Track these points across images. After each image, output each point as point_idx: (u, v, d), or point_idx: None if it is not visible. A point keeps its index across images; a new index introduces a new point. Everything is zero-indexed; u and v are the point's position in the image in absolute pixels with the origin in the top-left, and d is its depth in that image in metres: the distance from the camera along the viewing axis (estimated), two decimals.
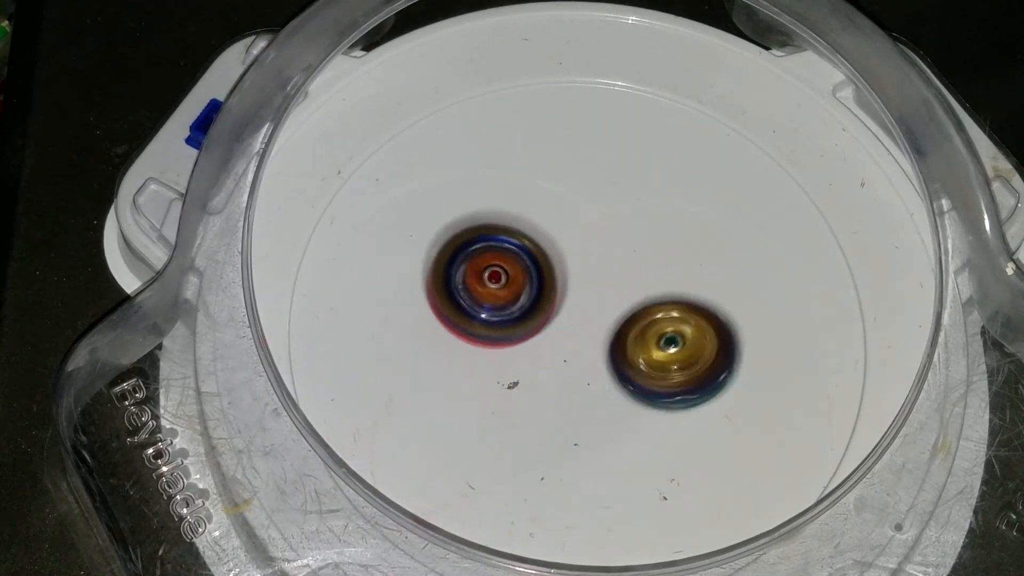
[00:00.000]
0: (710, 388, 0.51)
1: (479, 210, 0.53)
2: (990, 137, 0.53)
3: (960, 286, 0.51)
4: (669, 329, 0.51)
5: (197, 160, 0.51)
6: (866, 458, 0.49)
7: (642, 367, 0.51)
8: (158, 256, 0.51)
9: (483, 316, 0.51)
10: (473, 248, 0.52)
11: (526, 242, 0.52)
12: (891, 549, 0.48)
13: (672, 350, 0.51)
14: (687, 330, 0.51)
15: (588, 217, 0.53)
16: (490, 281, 0.52)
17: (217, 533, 0.48)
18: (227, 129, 0.51)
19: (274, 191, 0.52)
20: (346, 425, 0.49)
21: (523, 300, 0.52)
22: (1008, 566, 0.50)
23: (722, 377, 0.51)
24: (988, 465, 0.50)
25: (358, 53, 0.55)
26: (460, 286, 0.52)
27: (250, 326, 0.49)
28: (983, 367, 0.51)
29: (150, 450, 0.49)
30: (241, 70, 0.53)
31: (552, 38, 0.56)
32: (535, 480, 0.49)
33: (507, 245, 0.52)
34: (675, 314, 0.52)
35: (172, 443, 0.49)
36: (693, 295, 0.52)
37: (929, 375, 0.49)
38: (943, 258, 0.51)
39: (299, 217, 0.52)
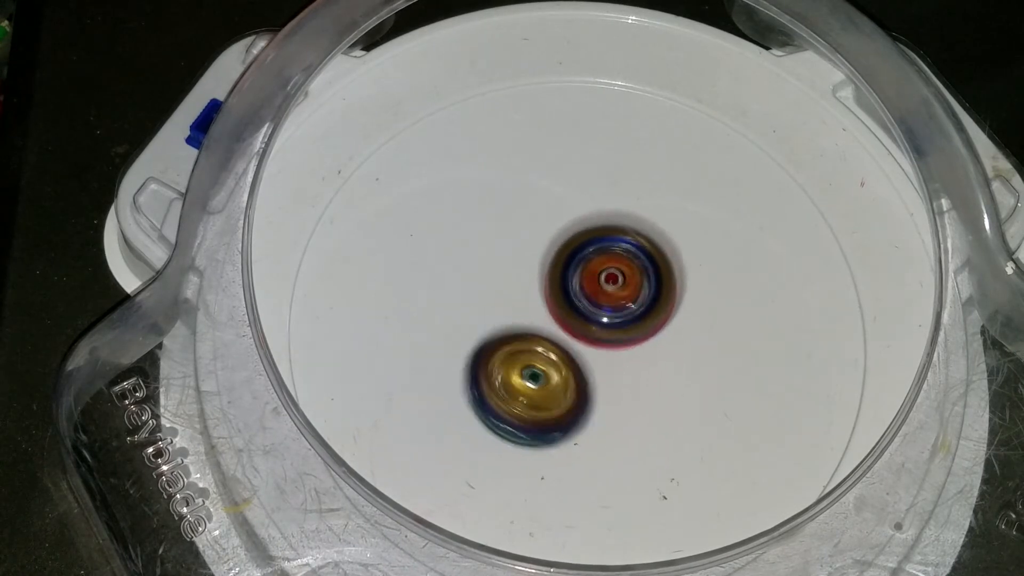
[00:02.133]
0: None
1: (483, 225, 0.53)
2: (990, 137, 0.53)
3: (960, 286, 0.51)
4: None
5: (197, 160, 0.51)
6: (866, 457, 0.49)
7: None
8: (158, 255, 0.51)
9: (603, 319, 0.52)
10: (586, 252, 0.52)
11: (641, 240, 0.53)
12: (891, 548, 0.48)
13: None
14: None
15: (587, 220, 0.53)
16: (607, 283, 0.52)
17: (217, 532, 0.48)
18: (227, 129, 0.51)
19: (274, 191, 0.52)
20: (346, 424, 0.49)
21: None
22: (1008, 565, 0.50)
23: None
24: (988, 464, 0.50)
25: (358, 53, 0.55)
26: (578, 291, 0.52)
27: (250, 325, 0.49)
28: (983, 366, 0.51)
29: (150, 449, 0.49)
30: (241, 70, 0.53)
31: (552, 38, 0.56)
32: (535, 480, 0.49)
33: (622, 245, 0.53)
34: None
35: (172, 442, 0.49)
36: (694, 301, 0.52)
37: (929, 374, 0.49)
38: (943, 258, 0.51)
39: (299, 217, 0.52)
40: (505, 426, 0.50)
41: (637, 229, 0.53)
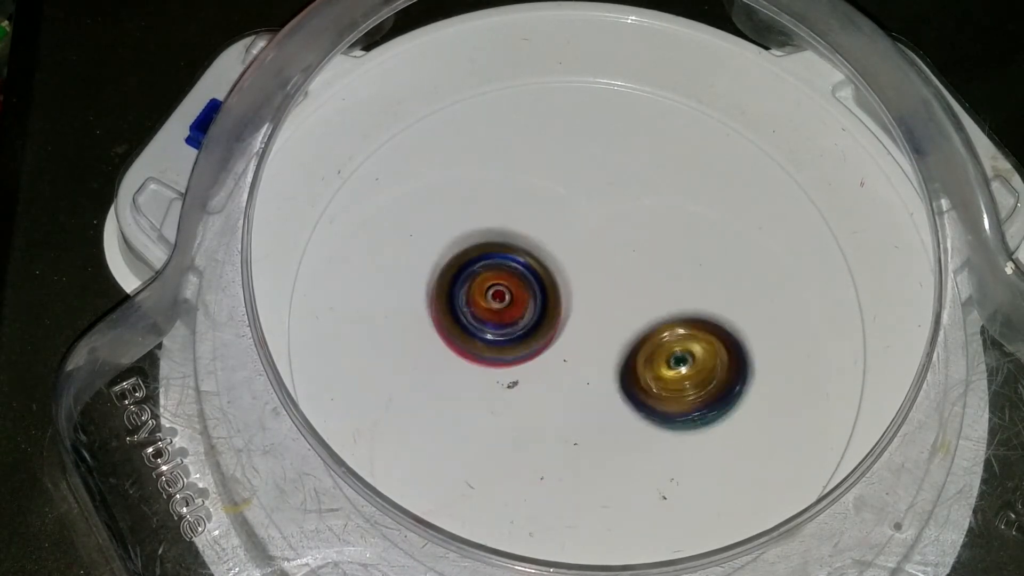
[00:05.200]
0: (724, 403, 0.51)
1: (482, 225, 0.53)
2: (989, 137, 0.53)
3: (959, 286, 0.51)
4: (677, 348, 0.51)
5: (197, 160, 0.51)
6: (865, 457, 0.49)
7: (653, 388, 0.51)
8: (158, 256, 0.51)
9: (487, 336, 0.51)
10: (477, 266, 0.52)
11: (530, 260, 0.52)
12: (890, 548, 0.48)
13: (683, 369, 0.51)
14: (696, 348, 0.51)
15: (588, 220, 0.53)
16: (494, 300, 0.51)
17: (217, 532, 0.48)
18: (227, 129, 0.51)
19: (274, 191, 0.52)
20: (346, 424, 0.49)
21: (527, 319, 0.52)
22: (1008, 565, 0.50)
23: (736, 390, 0.51)
24: (987, 464, 0.50)
25: (358, 53, 0.55)
26: (464, 306, 0.51)
27: (250, 325, 0.49)
28: (982, 366, 0.51)
29: (150, 449, 0.49)
30: (241, 70, 0.53)
31: (552, 38, 0.56)
32: (535, 480, 0.49)
33: (512, 263, 0.52)
34: (681, 331, 0.51)
35: (172, 442, 0.49)
36: (695, 303, 0.52)
37: (928, 374, 0.49)
38: (942, 258, 0.51)
39: (299, 217, 0.52)
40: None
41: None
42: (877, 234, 0.53)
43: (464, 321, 0.51)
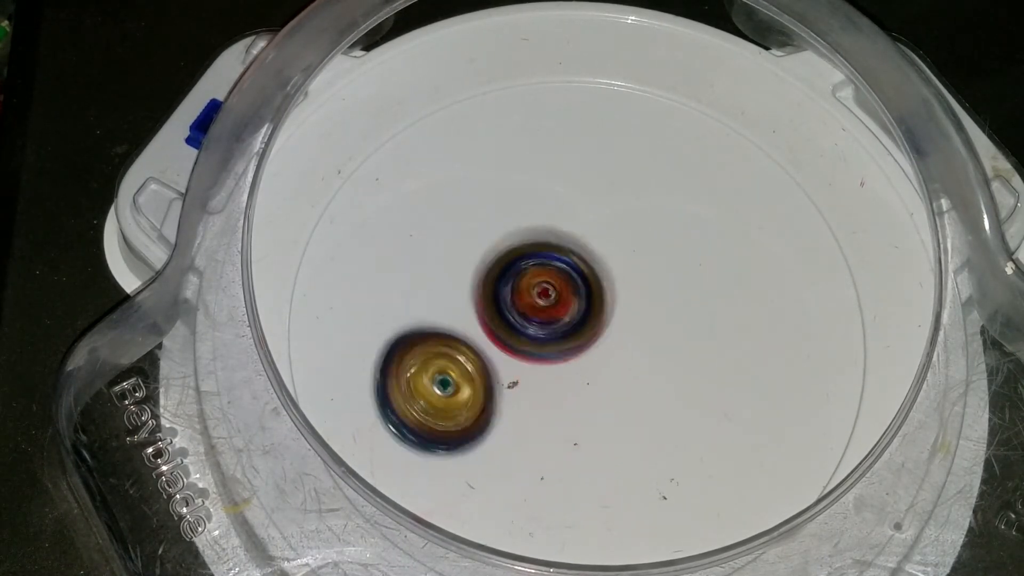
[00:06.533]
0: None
1: (481, 223, 0.53)
2: (990, 137, 0.53)
3: (960, 286, 0.51)
4: None
5: (197, 160, 0.51)
6: (865, 457, 0.49)
7: None
8: (158, 256, 0.51)
9: (530, 332, 0.51)
10: (524, 263, 0.52)
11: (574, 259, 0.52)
12: (890, 548, 0.48)
13: None
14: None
15: (587, 220, 0.53)
16: (540, 298, 0.51)
17: (217, 532, 0.48)
18: (227, 129, 0.51)
19: (274, 191, 0.52)
20: (346, 425, 0.49)
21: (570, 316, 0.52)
22: (1008, 565, 0.49)
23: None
24: (987, 464, 0.50)
25: (358, 53, 0.55)
26: (509, 303, 0.51)
27: (250, 325, 0.49)
28: (983, 366, 0.51)
29: (150, 449, 0.49)
30: (241, 70, 0.53)
31: (552, 38, 0.56)
32: (535, 480, 0.49)
33: (556, 262, 0.52)
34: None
35: (172, 442, 0.49)
36: (693, 303, 0.52)
37: (928, 374, 0.49)
38: (942, 258, 0.51)
39: (299, 217, 0.52)
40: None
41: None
42: (877, 234, 0.53)
43: (511, 319, 0.51)
